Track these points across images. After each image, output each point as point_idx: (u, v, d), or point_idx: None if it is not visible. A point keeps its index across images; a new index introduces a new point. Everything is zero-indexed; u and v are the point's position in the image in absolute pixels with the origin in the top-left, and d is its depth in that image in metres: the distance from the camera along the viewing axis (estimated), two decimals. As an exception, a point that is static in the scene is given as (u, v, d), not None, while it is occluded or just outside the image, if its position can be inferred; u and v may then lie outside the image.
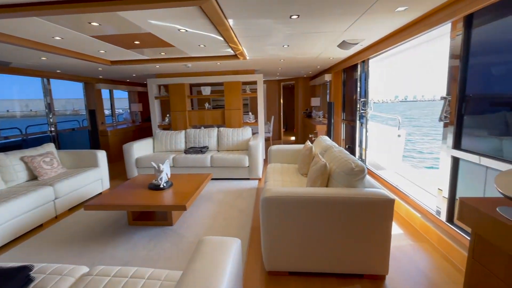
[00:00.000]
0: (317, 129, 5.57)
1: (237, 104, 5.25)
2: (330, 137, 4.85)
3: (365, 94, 4.00)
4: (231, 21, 2.20)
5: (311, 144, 3.09)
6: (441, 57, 2.26)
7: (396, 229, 2.52)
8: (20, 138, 4.61)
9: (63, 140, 5.24)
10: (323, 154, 2.68)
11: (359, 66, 4.16)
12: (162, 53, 3.46)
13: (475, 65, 1.93)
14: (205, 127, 5.43)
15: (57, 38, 2.52)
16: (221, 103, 8.21)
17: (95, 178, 3.62)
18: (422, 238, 2.35)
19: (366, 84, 3.96)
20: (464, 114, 2.03)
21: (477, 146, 1.92)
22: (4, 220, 2.40)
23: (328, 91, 5.75)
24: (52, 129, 4.91)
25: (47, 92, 4.78)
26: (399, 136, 3.97)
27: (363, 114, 4.07)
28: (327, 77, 5.46)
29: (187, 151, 4.51)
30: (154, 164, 2.90)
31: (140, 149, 4.53)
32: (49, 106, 4.82)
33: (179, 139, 4.84)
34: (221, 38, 2.71)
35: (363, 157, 4.21)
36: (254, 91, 5.42)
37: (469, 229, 1.95)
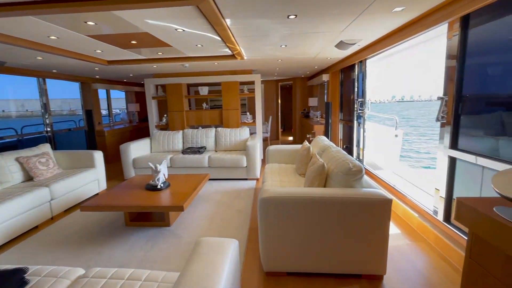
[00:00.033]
0: (315, 129, 5.58)
1: (235, 104, 5.24)
2: (327, 137, 4.85)
3: (363, 94, 4.01)
4: (228, 21, 2.19)
5: (309, 144, 3.09)
6: (438, 57, 2.27)
7: (393, 229, 2.53)
8: (16, 139, 4.57)
9: (59, 140, 5.20)
10: (321, 154, 2.68)
11: (356, 66, 4.17)
12: (159, 53, 3.44)
13: (471, 66, 1.94)
14: (202, 127, 5.41)
15: (53, 37, 2.50)
16: (219, 103, 8.20)
17: (91, 179, 3.59)
18: (419, 238, 2.36)
19: (364, 84, 3.97)
20: (461, 114, 2.04)
21: (473, 146, 1.93)
22: (-1, 221, 2.37)
23: (325, 91, 5.76)
24: (48, 129, 4.87)
25: (43, 92, 4.74)
26: (396, 136, 3.98)
27: (361, 114, 4.08)
28: (325, 77, 5.47)
29: (185, 151, 4.49)
30: (151, 165, 2.88)
31: (137, 149, 4.50)
32: (45, 106, 4.78)
33: (176, 139, 4.82)
34: (219, 38, 2.70)
35: (361, 157, 4.22)
36: (252, 91, 5.42)
37: (466, 229, 1.96)
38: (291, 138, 8.82)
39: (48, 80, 4.81)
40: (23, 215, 2.61)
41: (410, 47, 3.01)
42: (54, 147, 5.01)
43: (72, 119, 7.62)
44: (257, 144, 4.22)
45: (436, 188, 2.29)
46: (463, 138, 2.03)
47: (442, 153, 2.19)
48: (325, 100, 5.73)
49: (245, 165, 4.19)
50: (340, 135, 5.27)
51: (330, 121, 5.00)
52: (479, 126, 1.92)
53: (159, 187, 2.82)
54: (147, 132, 7.12)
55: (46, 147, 3.61)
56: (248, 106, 8.28)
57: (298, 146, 3.64)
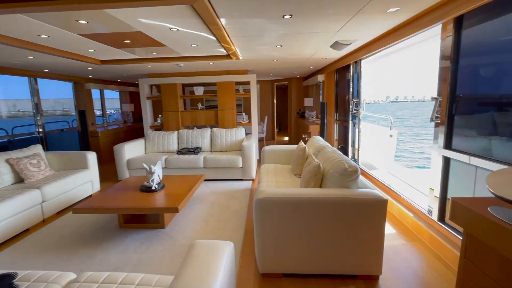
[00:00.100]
0: (311, 129, 5.59)
1: (231, 104, 5.22)
2: (323, 138, 4.86)
3: (358, 95, 4.03)
4: (223, 20, 2.17)
5: (304, 145, 3.08)
6: (432, 58, 2.29)
7: (388, 229, 2.54)
8: (6, 140, 4.47)
9: (51, 141, 5.11)
10: (317, 154, 2.68)
11: (351, 66, 4.19)
12: (154, 53, 3.40)
13: (465, 66, 1.96)
14: (198, 128, 5.38)
15: (44, 36, 2.45)
16: (214, 104, 8.16)
17: (84, 180, 3.54)
18: (414, 238, 2.37)
19: (359, 84, 3.98)
20: (455, 114, 2.05)
21: (467, 146, 1.95)
22: (-12, 225, 2.31)
23: (321, 92, 5.77)
24: (40, 130, 4.78)
25: (35, 92, 4.65)
26: (391, 136, 4.01)
27: (356, 115, 4.09)
28: (320, 77, 5.49)
29: (180, 152, 4.45)
30: (145, 166, 2.85)
31: (131, 150, 4.45)
32: (37, 107, 4.69)
33: (171, 140, 4.77)
34: (214, 38, 2.67)
35: (356, 157, 4.23)
36: (248, 91, 5.40)
37: (460, 229, 1.98)
38: (286, 138, 8.83)
39: (40, 80, 4.72)
40: (14, 217, 2.55)
41: (404, 47, 3.03)
42: (46, 148, 4.92)
43: (65, 120, 7.50)
44: (252, 145, 4.21)
45: (430, 188, 2.31)
46: (457, 138, 2.05)
47: (436, 153, 2.20)
48: (321, 100, 5.74)
49: (240, 165, 4.17)
50: (336, 135, 5.28)
51: (325, 121, 5.01)
52: (472, 126, 1.94)
53: (153, 188, 2.79)
54: (142, 132, 7.05)
55: (38, 148, 3.54)
56: (243, 107, 8.25)
57: (294, 147, 3.64)
